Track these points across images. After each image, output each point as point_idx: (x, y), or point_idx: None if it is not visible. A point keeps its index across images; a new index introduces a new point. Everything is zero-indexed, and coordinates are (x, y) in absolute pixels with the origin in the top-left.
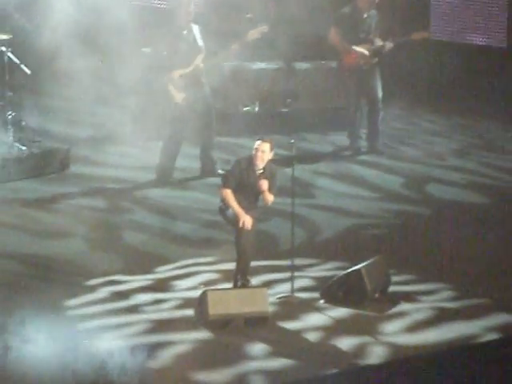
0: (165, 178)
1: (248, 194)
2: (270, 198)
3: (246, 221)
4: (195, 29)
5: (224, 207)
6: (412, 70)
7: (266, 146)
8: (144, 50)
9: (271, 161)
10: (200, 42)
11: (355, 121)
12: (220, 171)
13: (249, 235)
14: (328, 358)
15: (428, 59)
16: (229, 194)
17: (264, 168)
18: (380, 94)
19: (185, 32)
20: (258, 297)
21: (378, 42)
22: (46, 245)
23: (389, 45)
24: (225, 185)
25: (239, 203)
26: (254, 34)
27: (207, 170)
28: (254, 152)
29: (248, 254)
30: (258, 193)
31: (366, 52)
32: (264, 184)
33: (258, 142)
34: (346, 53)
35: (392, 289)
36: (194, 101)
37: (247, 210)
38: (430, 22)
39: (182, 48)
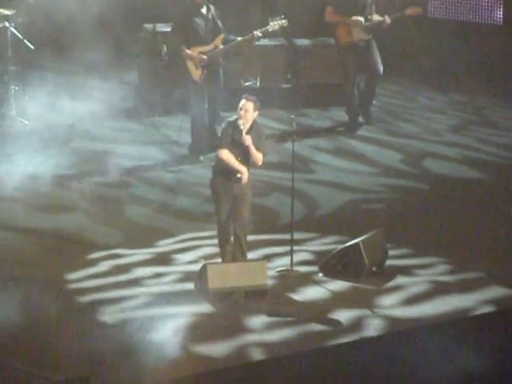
0: (199, 154)
1: (239, 155)
2: (258, 155)
3: (245, 175)
4: (213, 9)
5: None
6: (410, 48)
7: (249, 105)
8: (146, 25)
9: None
10: (219, 23)
11: (353, 97)
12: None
13: (242, 211)
14: (326, 331)
15: (426, 36)
16: (227, 153)
17: (251, 128)
18: (381, 68)
19: (203, 10)
20: (257, 270)
21: (375, 18)
22: (48, 218)
23: (387, 20)
24: (221, 145)
25: (224, 171)
26: (275, 25)
27: (210, 144)
28: (238, 109)
29: (233, 231)
30: (247, 153)
31: (361, 20)
32: (247, 139)
33: (243, 101)
34: (342, 30)
35: (389, 263)
36: (209, 79)
37: (238, 179)
38: (427, 1)
39: (200, 26)
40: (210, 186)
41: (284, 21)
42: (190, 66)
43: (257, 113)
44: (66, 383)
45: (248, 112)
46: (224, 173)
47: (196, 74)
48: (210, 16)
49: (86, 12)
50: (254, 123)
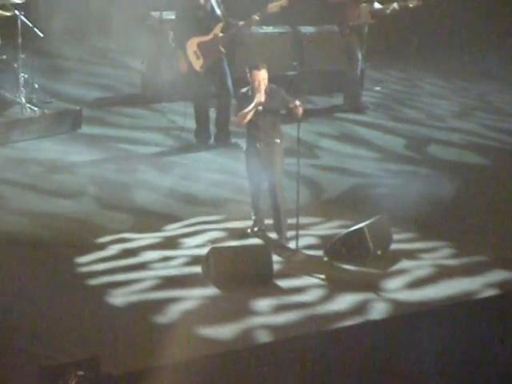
0: (204, 140)
1: (267, 122)
2: (294, 107)
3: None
4: None
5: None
6: (414, 34)
7: (265, 73)
8: (153, 13)
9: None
10: (218, 11)
11: (357, 80)
12: (233, 141)
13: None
14: (331, 314)
15: (430, 23)
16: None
17: (267, 93)
18: (362, 54)
19: (201, 1)
20: (262, 254)
21: (377, 5)
22: (57, 203)
23: (394, 7)
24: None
25: (257, 136)
26: (273, 7)
27: (220, 138)
28: (253, 82)
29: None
30: (272, 118)
31: (367, 11)
32: (261, 96)
33: (256, 72)
34: (351, 11)
35: (394, 247)
36: (212, 68)
37: (266, 145)
38: None
39: (199, 16)
40: (244, 153)
41: (283, 0)
42: (191, 56)
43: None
44: (76, 364)
45: (265, 79)
46: (251, 138)
47: (197, 63)
48: (208, 6)
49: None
50: (268, 87)
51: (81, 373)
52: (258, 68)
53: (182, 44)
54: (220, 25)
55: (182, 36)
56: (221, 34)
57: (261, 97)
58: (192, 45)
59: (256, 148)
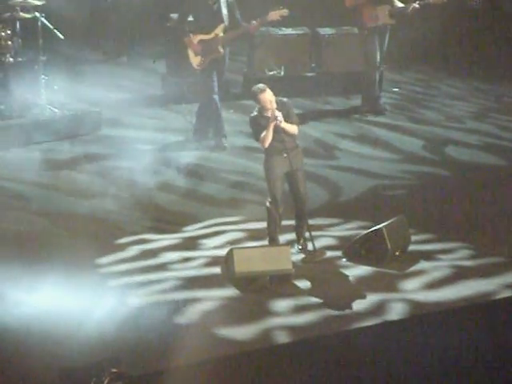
0: (200, 138)
1: (283, 133)
2: (292, 128)
3: (276, 114)
4: None
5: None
6: (432, 35)
7: (270, 92)
8: (173, 15)
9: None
10: (224, 12)
11: (375, 82)
12: (226, 144)
13: (299, 183)
14: (350, 314)
15: (448, 24)
16: (263, 136)
17: (278, 107)
18: (382, 55)
19: (210, 1)
20: (282, 255)
21: (398, 4)
22: (77, 204)
23: (414, 6)
24: (258, 137)
25: (283, 146)
26: (274, 15)
27: (219, 130)
28: (264, 104)
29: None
30: (285, 131)
31: (385, 12)
32: (278, 114)
33: (264, 95)
34: (368, 12)
35: (412, 248)
36: (209, 67)
37: (292, 150)
38: None
39: (205, 15)
40: (264, 166)
41: (284, 10)
42: (190, 53)
43: (269, 91)
44: (92, 366)
45: (273, 97)
46: (275, 150)
47: (195, 60)
48: (215, 6)
49: (115, 2)
50: (278, 103)
51: (114, 370)
52: (261, 91)
53: (184, 40)
54: (222, 25)
55: (185, 32)
56: (221, 35)
57: (273, 113)
58: (193, 41)
59: (283, 157)
